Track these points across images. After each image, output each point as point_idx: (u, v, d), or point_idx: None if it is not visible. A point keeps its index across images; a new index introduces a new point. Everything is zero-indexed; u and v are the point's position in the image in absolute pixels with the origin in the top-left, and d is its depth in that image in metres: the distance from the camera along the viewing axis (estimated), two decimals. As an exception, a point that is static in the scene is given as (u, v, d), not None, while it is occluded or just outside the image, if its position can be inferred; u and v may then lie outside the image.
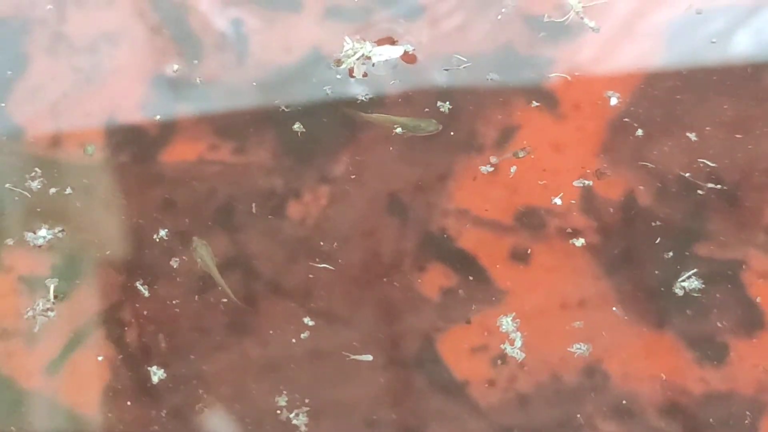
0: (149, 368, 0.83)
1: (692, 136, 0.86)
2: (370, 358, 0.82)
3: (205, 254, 0.82)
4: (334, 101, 0.91)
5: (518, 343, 0.82)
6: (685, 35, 0.92)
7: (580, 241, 0.84)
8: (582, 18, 0.91)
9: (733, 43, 0.92)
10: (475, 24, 0.93)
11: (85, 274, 0.88)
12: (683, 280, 0.83)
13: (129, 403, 0.83)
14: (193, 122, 0.90)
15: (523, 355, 0.82)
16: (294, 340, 0.83)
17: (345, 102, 0.89)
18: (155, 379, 0.82)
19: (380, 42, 0.93)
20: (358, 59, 0.88)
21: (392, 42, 0.93)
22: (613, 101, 0.88)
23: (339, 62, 0.90)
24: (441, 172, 0.87)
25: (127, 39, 0.94)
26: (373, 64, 0.90)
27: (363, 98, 0.88)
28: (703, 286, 0.83)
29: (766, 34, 0.94)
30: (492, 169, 0.86)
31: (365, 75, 0.90)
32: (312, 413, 0.82)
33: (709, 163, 0.87)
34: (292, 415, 0.81)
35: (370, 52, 0.88)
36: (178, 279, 0.85)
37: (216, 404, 0.83)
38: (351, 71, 0.88)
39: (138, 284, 0.84)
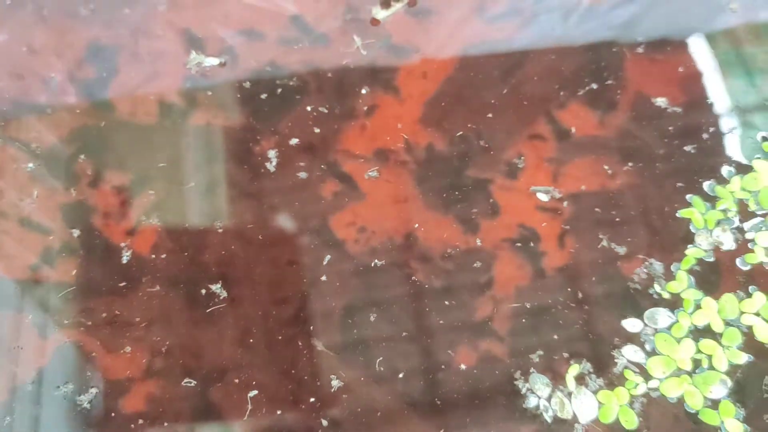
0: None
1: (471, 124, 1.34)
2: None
3: None
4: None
5: (370, 221, 1.25)
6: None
7: (406, 167, 1.29)
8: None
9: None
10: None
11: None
12: (457, 190, 1.27)
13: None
14: (204, 100, 1.34)
15: (374, 227, 1.25)
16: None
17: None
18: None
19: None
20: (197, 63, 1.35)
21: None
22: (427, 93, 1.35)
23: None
24: (334, 131, 1.31)
25: (171, 56, 1.37)
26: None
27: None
28: (467, 192, 1.27)
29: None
30: (359, 133, 1.31)
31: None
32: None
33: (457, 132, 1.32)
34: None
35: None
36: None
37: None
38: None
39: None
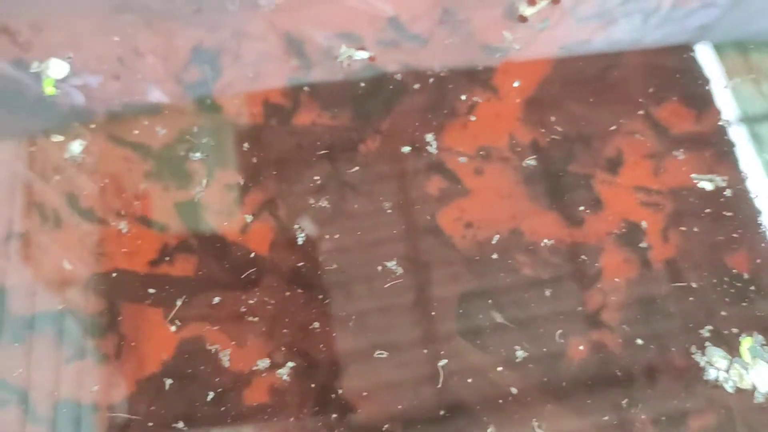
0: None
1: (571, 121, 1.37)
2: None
3: None
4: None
5: (476, 216, 1.30)
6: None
7: (509, 164, 1.33)
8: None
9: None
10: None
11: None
12: (561, 185, 1.31)
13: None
14: (307, 100, 1.39)
15: (480, 222, 1.29)
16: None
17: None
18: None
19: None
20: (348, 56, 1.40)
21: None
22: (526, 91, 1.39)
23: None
24: (436, 129, 1.36)
25: (273, 59, 1.42)
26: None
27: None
28: (570, 187, 1.31)
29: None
30: (461, 130, 1.36)
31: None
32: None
33: (558, 129, 1.37)
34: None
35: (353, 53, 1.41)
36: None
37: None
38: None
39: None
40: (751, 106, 1.39)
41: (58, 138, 1.36)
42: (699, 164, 1.33)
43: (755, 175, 1.32)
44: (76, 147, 1.35)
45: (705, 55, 1.45)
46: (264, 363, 1.20)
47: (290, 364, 1.21)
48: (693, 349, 1.20)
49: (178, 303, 1.25)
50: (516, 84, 1.41)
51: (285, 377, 1.20)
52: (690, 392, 1.17)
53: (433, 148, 1.36)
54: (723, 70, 1.43)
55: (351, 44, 1.43)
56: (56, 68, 1.39)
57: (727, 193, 1.31)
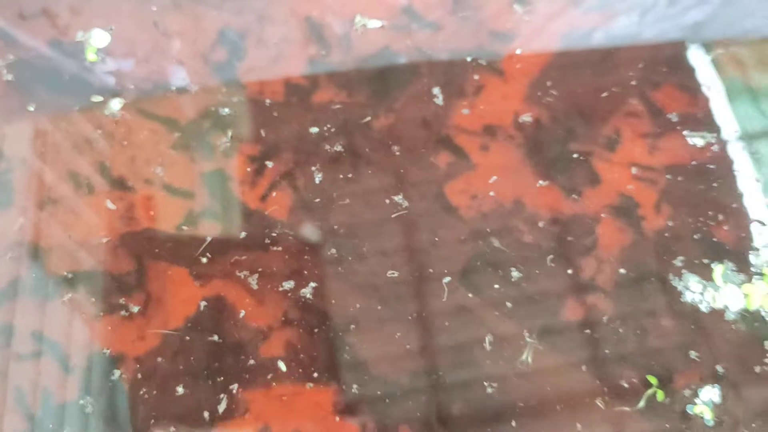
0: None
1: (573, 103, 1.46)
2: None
3: None
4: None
5: (481, 189, 1.38)
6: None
7: (514, 141, 1.42)
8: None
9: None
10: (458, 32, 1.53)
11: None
12: (561, 161, 1.40)
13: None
14: (326, 81, 1.50)
15: (484, 194, 1.37)
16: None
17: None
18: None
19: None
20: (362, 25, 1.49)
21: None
22: (530, 75, 1.49)
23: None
24: (445, 108, 1.45)
25: (294, 41, 1.52)
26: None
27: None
28: (570, 164, 1.39)
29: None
30: (468, 110, 1.45)
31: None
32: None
33: (559, 110, 1.45)
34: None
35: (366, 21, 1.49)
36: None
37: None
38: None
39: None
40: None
41: (97, 98, 1.46)
42: (688, 143, 1.41)
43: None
44: (116, 104, 1.44)
45: (697, 50, 1.53)
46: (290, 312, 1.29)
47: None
48: (670, 276, 1.28)
49: (208, 239, 1.34)
50: (521, 68, 1.50)
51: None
52: (668, 313, 1.26)
53: (442, 126, 1.44)
54: (713, 65, 1.51)
55: (363, 27, 1.53)
56: (98, 38, 1.50)
57: (713, 166, 1.40)
